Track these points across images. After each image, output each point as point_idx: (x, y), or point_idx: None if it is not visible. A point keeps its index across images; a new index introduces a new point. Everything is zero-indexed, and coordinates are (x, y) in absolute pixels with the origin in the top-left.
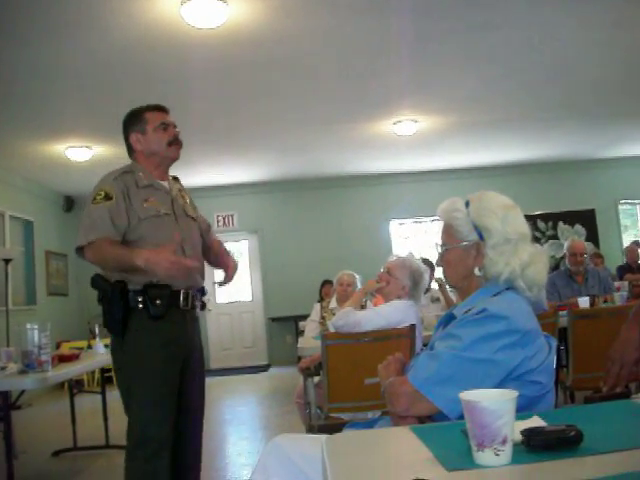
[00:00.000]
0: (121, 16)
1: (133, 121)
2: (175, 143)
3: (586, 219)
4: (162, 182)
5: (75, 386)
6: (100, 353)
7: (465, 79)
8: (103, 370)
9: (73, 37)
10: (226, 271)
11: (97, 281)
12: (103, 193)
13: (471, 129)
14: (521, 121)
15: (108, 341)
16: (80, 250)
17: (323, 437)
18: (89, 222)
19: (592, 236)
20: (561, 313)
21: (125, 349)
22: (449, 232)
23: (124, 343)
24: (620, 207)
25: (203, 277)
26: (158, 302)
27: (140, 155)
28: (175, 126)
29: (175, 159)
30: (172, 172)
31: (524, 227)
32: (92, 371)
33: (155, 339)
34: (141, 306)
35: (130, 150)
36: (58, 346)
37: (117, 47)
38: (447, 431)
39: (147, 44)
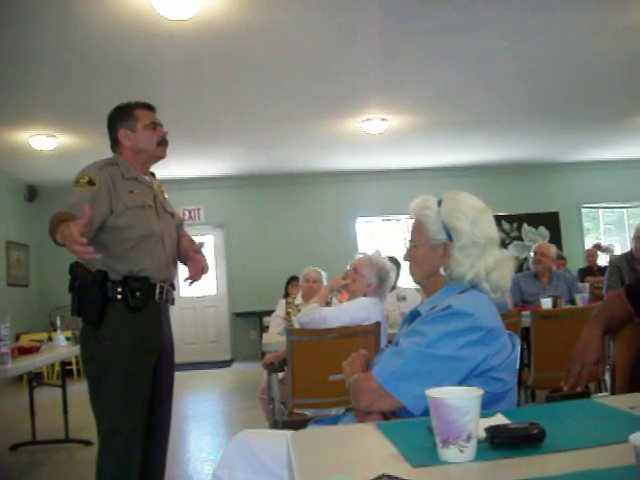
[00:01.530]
0: (91, 4)
1: (122, 116)
2: (163, 143)
3: (550, 221)
4: (145, 177)
5: (34, 379)
6: (61, 346)
7: (434, 79)
8: (63, 363)
9: (41, 23)
10: (192, 267)
11: (76, 269)
12: (87, 178)
13: (439, 129)
14: (489, 123)
15: (69, 334)
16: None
17: (288, 433)
18: (67, 202)
19: (555, 238)
20: (524, 313)
21: (100, 339)
22: (418, 229)
23: (99, 333)
24: (583, 210)
25: (177, 272)
26: (138, 294)
27: (127, 151)
28: (162, 125)
29: (162, 158)
30: None
31: (493, 231)
32: (52, 364)
33: (132, 330)
34: (120, 297)
35: (115, 144)
36: (17, 338)
37: (86, 35)
38: (412, 427)
39: (117, 33)
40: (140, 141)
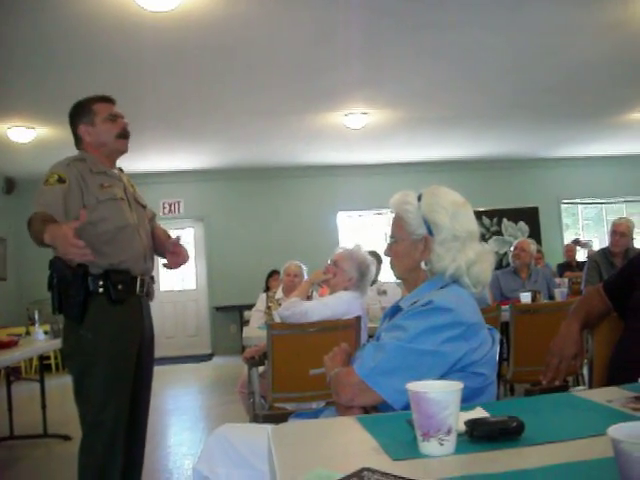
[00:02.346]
0: None
1: (80, 112)
2: (124, 136)
3: (530, 217)
4: (113, 170)
5: (12, 373)
6: (39, 340)
7: (415, 75)
8: (42, 357)
9: (19, 12)
10: (172, 259)
11: (56, 264)
12: (56, 176)
13: (420, 124)
14: (470, 118)
15: (48, 327)
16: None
17: (269, 427)
18: (41, 202)
19: (535, 233)
20: (503, 308)
21: (82, 333)
22: (399, 224)
23: (81, 327)
24: (562, 206)
25: (154, 265)
26: (120, 287)
27: (89, 146)
28: (123, 117)
29: (124, 152)
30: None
31: (473, 225)
32: (30, 358)
33: (114, 323)
34: (101, 290)
35: (78, 141)
36: None
37: (66, 25)
38: (393, 421)
39: (97, 24)
40: (99, 135)
